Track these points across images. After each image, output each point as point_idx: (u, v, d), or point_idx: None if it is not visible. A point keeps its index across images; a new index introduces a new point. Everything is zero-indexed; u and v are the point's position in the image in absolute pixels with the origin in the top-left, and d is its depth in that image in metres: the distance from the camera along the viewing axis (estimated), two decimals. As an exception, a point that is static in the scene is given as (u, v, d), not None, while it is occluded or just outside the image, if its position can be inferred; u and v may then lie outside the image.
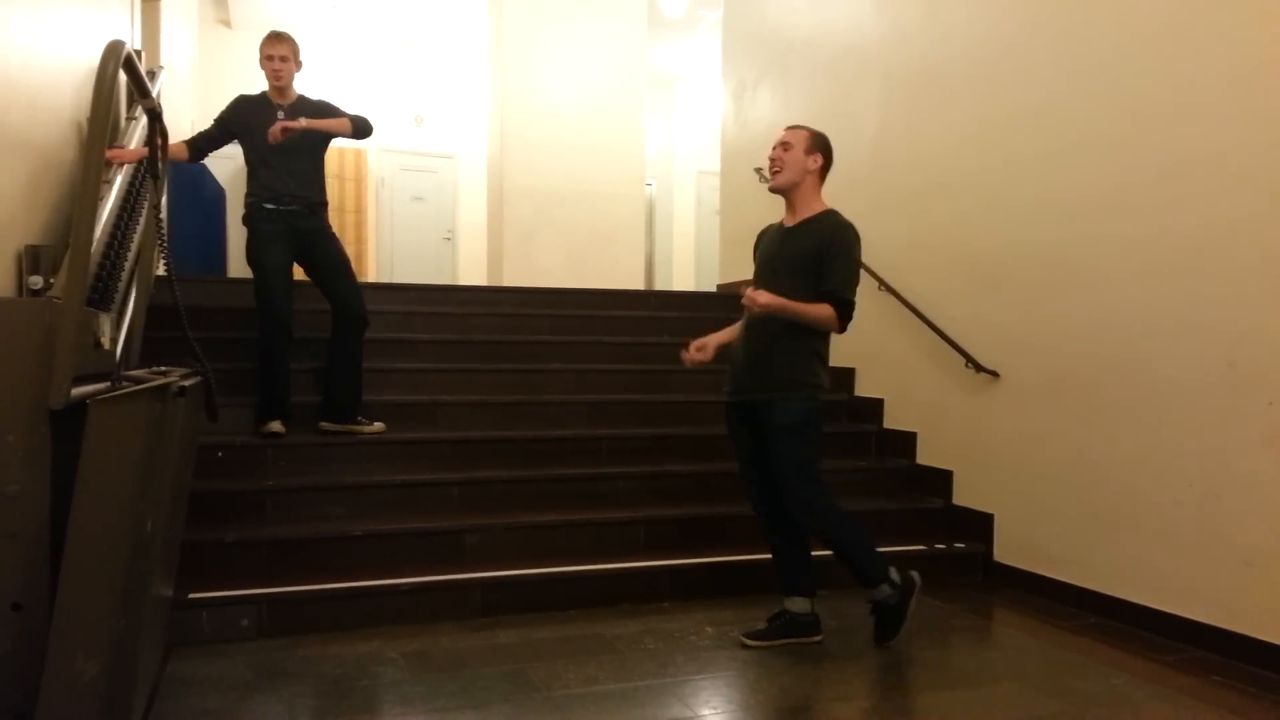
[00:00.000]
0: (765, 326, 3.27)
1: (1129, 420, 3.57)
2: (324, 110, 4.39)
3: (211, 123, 4.30)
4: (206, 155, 4.32)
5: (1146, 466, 3.50)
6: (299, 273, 4.40)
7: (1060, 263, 3.90)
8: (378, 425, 4.35)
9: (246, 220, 4.28)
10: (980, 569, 4.23)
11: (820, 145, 3.27)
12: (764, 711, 2.72)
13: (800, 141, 3.25)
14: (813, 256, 3.22)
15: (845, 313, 3.20)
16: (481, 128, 10.88)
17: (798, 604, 3.33)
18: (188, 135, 4.47)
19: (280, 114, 4.25)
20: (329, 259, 4.38)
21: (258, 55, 4.30)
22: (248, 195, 4.29)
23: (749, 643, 3.26)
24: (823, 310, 3.16)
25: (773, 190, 3.37)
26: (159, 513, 2.22)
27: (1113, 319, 3.65)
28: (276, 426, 4.17)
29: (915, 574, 3.33)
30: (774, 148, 3.29)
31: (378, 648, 3.19)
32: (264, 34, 4.37)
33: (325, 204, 4.44)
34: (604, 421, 4.79)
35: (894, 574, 3.27)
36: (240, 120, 4.28)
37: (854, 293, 3.20)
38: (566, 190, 7.95)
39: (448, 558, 3.77)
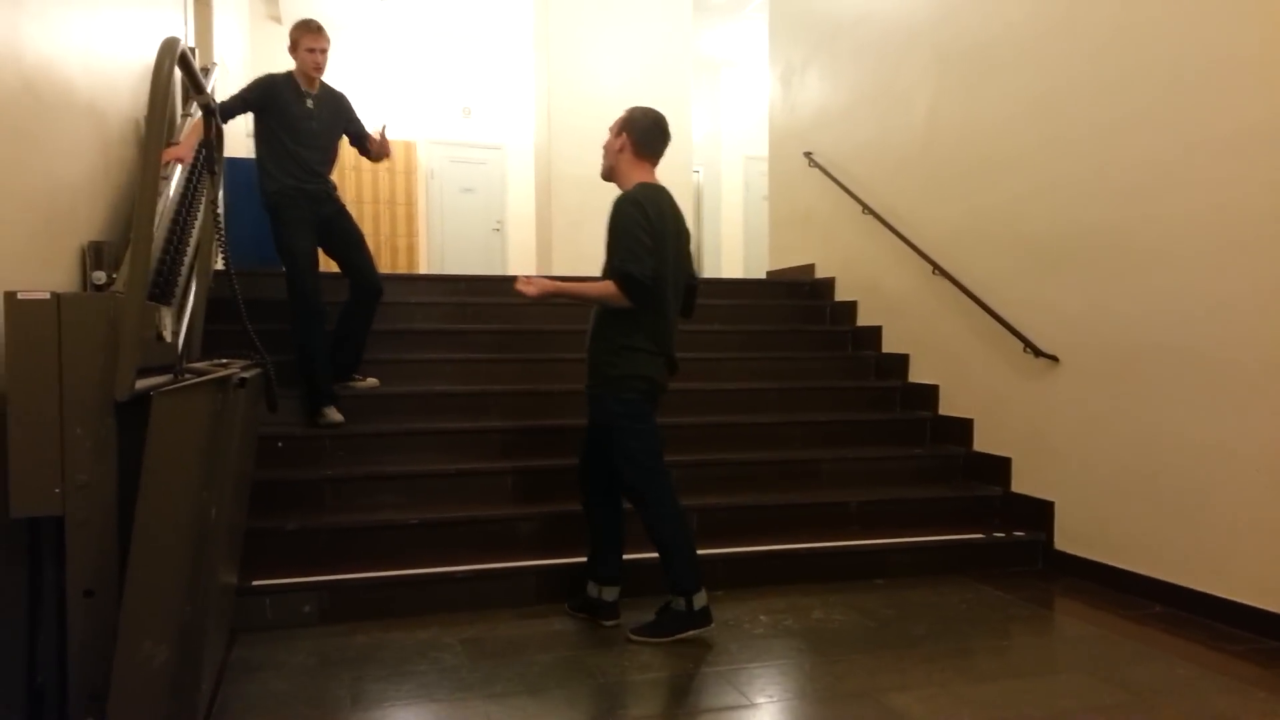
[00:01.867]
0: (593, 319, 3.29)
1: (1194, 405, 3.48)
2: (342, 103, 4.52)
3: (235, 96, 4.31)
4: (226, 123, 4.36)
5: (1212, 453, 3.41)
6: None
7: (1120, 243, 3.80)
8: (371, 380, 4.56)
9: (273, 206, 4.30)
10: (1040, 557, 4.16)
11: (626, 124, 3.27)
12: (820, 699, 2.70)
13: (613, 128, 3.30)
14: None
15: (626, 284, 3.09)
16: (529, 118, 10.92)
17: (601, 591, 3.33)
18: (240, 132, 4.55)
19: (309, 101, 4.36)
20: (348, 234, 4.49)
21: (289, 41, 4.37)
22: (270, 183, 4.30)
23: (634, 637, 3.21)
24: (604, 287, 3.13)
25: (602, 177, 3.42)
26: (222, 501, 2.27)
27: (1176, 301, 3.55)
28: (335, 415, 4.25)
29: (710, 627, 3.18)
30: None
31: (435, 634, 3.23)
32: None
33: (335, 186, 4.55)
34: (662, 411, 4.77)
35: (697, 601, 3.15)
36: (266, 100, 4.29)
37: (635, 264, 3.07)
38: (613, 178, 7.92)
39: (502, 545, 3.80)
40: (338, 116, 4.48)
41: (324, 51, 4.36)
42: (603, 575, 3.37)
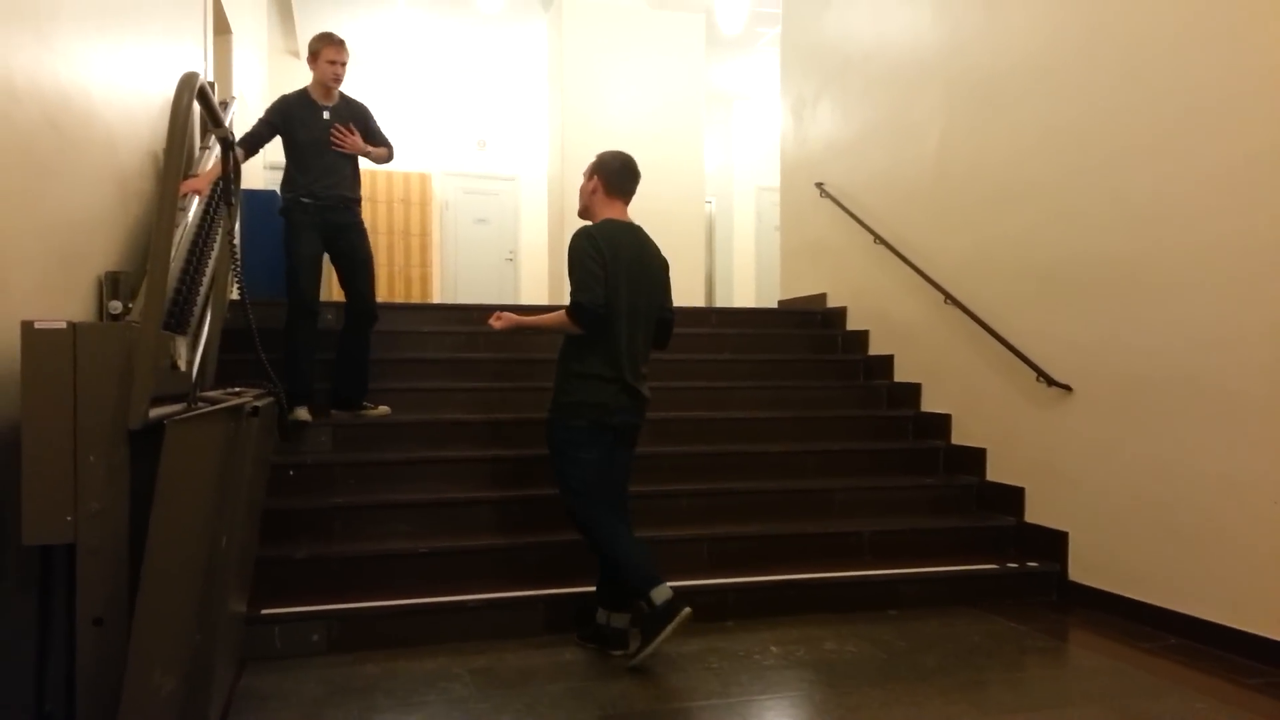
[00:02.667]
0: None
1: (1209, 436, 3.45)
2: (363, 114, 4.61)
3: (257, 122, 4.43)
4: (257, 152, 4.50)
5: (1228, 483, 3.38)
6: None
7: (1133, 273, 3.79)
8: (383, 408, 4.56)
9: (284, 212, 4.46)
10: (1054, 588, 4.12)
11: (597, 167, 3.48)
12: (831, 733, 2.68)
13: (586, 172, 3.52)
14: None
15: (576, 312, 3.27)
16: (543, 149, 11.01)
17: (610, 618, 3.37)
18: (257, 165, 4.62)
19: (325, 113, 4.45)
20: (353, 251, 4.56)
21: (309, 51, 4.47)
22: (286, 190, 4.46)
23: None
24: (559, 316, 3.35)
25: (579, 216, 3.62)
26: (234, 530, 2.28)
27: (1191, 330, 3.53)
28: (303, 414, 4.34)
29: (687, 611, 3.11)
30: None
31: (444, 664, 3.22)
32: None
33: (359, 200, 4.61)
34: (666, 439, 4.78)
35: (656, 596, 3.11)
36: (285, 120, 4.41)
37: (584, 292, 3.25)
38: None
39: (511, 575, 3.79)
40: (354, 125, 4.54)
41: (344, 64, 4.49)
42: (611, 602, 3.35)
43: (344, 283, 4.64)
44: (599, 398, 3.31)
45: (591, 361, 3.31)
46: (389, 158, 4.69)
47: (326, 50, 4.43)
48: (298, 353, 4.40)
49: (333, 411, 4.54)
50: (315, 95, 4.48)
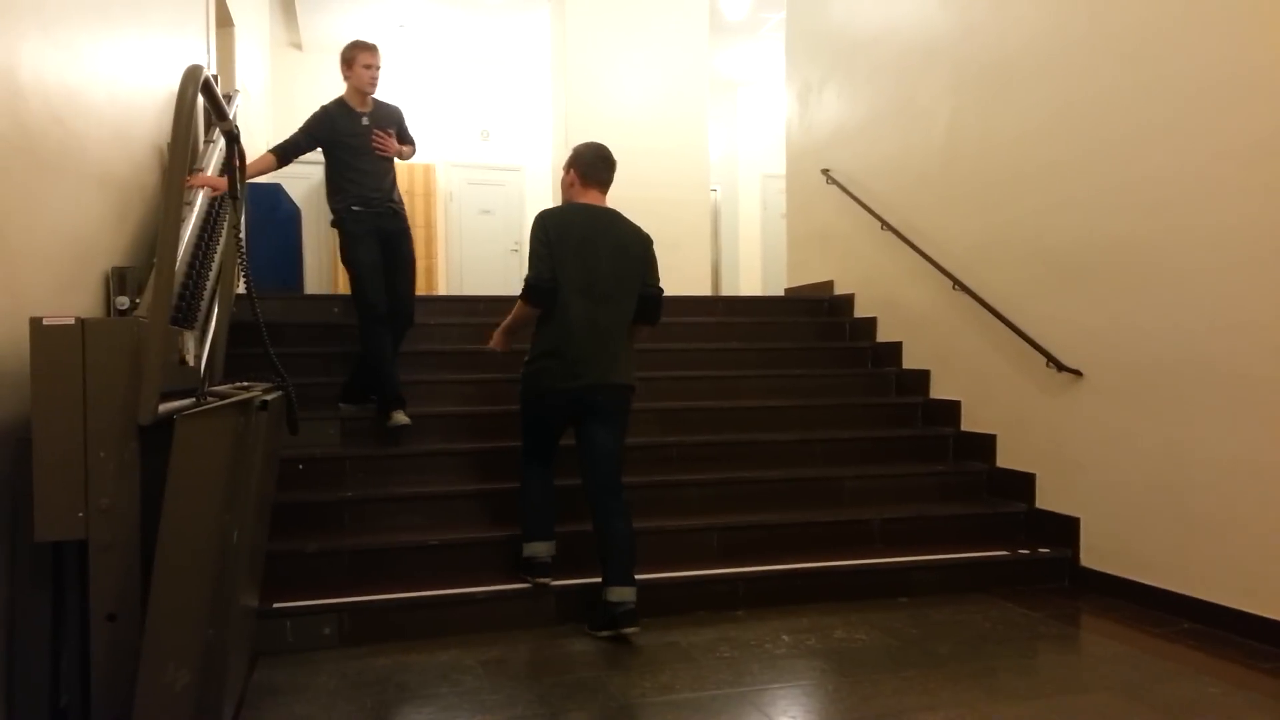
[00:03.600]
0: None
1: (1221, 419, 3.43)
2: (397, 116, 4.66)
3: (297, 132, 4.43)
4: (289, 163, 4.47)
5: (1241, 467, 3.36)
6: None
7: (1144, 256, 3.77)
8: (402, 417, 4.42)
9: (338, 224, 4.46)
10: (1066, 574, 4.11)
11: (571, 160, 3.66)
12: (844, 721, 2.67)
13: (565, 166, 3.69)
14: None
15: (524, 291, 3.51)
16: (547, 139, 10.98)
17: (610, 592, 3.41)
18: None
19: (364, 119, 4.47)
20: (400, 257, 4.56)
21: (342, 60, 4.49)
22: (334, 201, 4.45)
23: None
24: (517, 305, 3.59)
25: None
26: (244, 524, 2.28)
27: (1202, 314, 3.51)
28: (402, 418, 4.33)
29: (547, 578, 3.60)
30: None
31: (456, 656, 3.22)
32: (336, 50, 4.58)
33: (402, 203, 4.66)
34: (674, 428, 4.78)
35: (526, 549, 3.58)
36: (330, 131, 4.42)
37: (530, 272, 3.49)
38: (631, 198, 7.91)
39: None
40: (390, 128, 4.58)
41: (379, 68, 4.51)
42: (609, 579, 3.39)
43: (386, 285, 4.57)
44: (545, 376, 3.48)
45: (542, 337, 3.51)
46: (412, 153, 4.76)
47: (361, 55, 4.45)
48: (380, 361, 4.39)
49: (341, 406, 4.53)
50: (353, 103, 4.49)
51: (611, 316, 3.49)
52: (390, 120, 4.61)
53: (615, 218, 3.59)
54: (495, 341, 3.80)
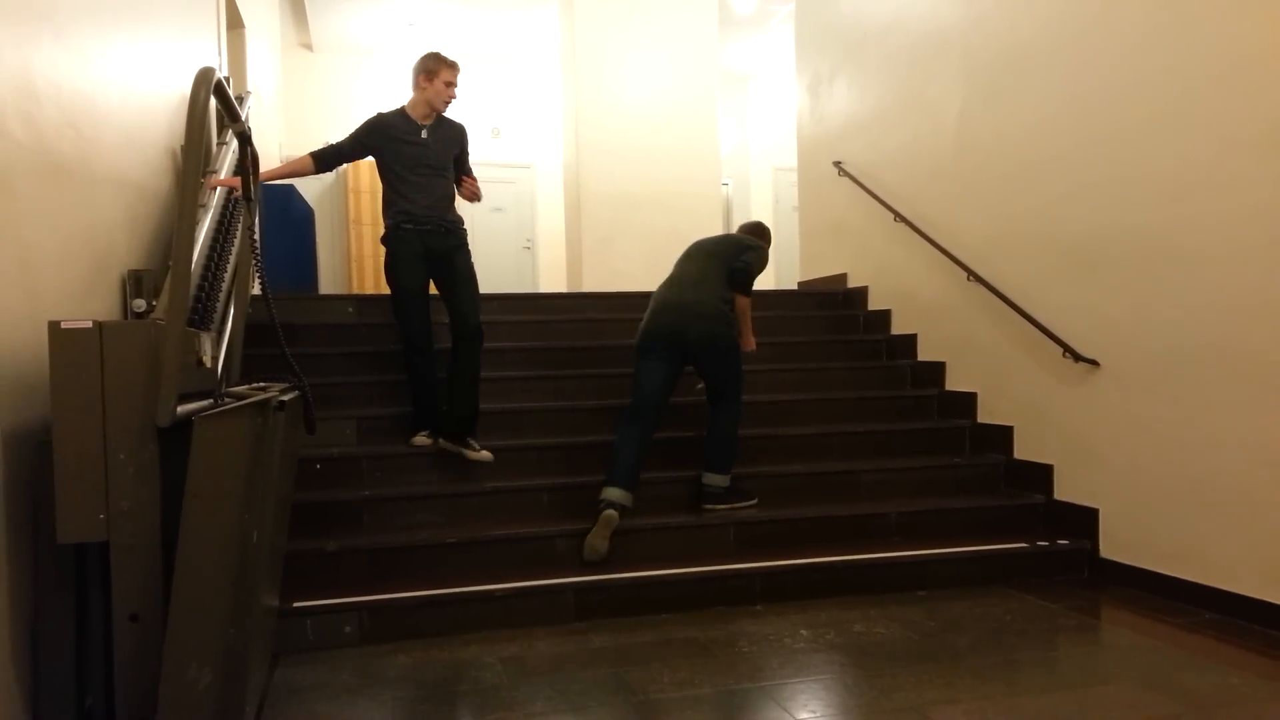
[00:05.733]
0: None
1: (1241, 407, 3.40)
2: (461, 136, 4.44)
3: (346, 138, 4.28)
4: (334, 169, 4.31)
5: (1262, 456, 3.33)
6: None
7: (1160, 243, 3.74)
8: (485, 454, 4.24)
9: (385, 240, 4.30)
10: (1085, 566, 4.08)
11: None
12: (865, 714, 2.67)
13: None
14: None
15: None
16: (557, 136, 11.00)
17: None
18: (274, 159, 4.61)
19: (423, 132, 4.28)
20: (454, 271, 4.31)
21: (422, 70, 4.28)
22: (387, 213, 4.28)
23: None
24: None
25: None
26: (264, 524, 2.29)
27: (1220, 300, 3.48)
28: (422, 440, 4.29)
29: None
30: None
31: (476, 653, 3.23)
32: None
33: (461, 221, 4.39)
34: (689, 424, 4.77)
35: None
36: (383, 139, 4.24)
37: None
38: (643, 193, 7.97)
39: (540, 563, 3.80)
40: (451, 145, 4.38)
41: (457, 86, 4.35)
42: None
43: (446, 302, 4.37)
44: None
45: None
46: (475, 189, 4.48)
47: (445, 71, 4.26)
48: (415, 384, 4.30)
49: (441, 442, 4.27)
50: (415, 114, 4.29)
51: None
52: (453, 140, 4.39)
53: None
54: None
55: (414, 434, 4.35)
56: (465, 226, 4.44)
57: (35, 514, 2.23)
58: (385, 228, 4.30)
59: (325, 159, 4.23)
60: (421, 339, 4.28)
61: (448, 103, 4.31)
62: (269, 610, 2.79)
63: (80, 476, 2.05)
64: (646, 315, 4.27)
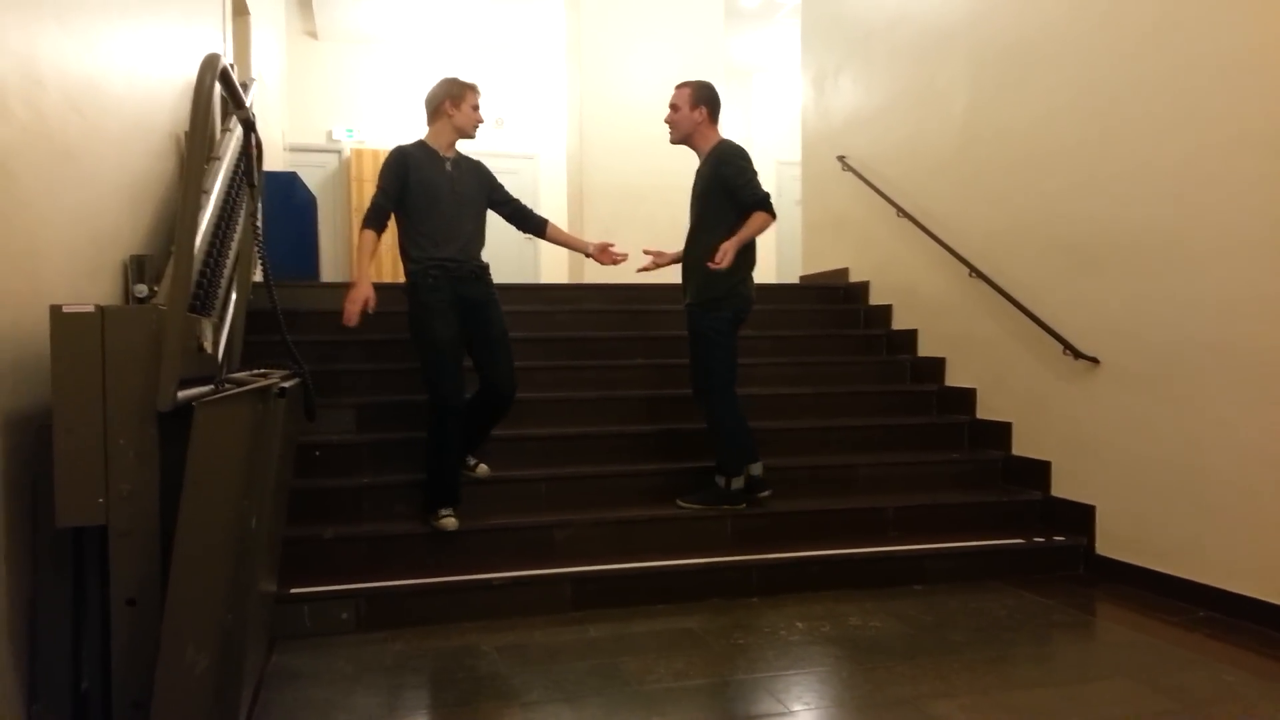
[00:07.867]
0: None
1: (1240, 405, 3.41)
2: (485, 174, 4.10)
3: (376, 193, 3.82)
4: (384, 228, 3.85)
5: (1259, 454, 3.34)
6: None
7: (1162, 241, 3.74)
8: (483, 468, 4.15)
9: (410, 290, 3.84)
10: (1081, 562, 4.09)
11: (703, 98, 4.11)
12: (860, 707, 2.68)
13: (685, 100, 4.10)
14: (714, 178, 4.08)
15: (769, 203, 3.99)
16: (561, 127, 10.96)
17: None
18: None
19: (448, 165, 3.90)
20: (488, 330, 3.96)
21: (446, 96, 3.90)
22: (408, 259, 3.85)
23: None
24: (758, 220, 3.97)
25: (674, 143, 4.30)
26: (262, 510, 2.30)
27: (1221, 299, 3.48)
28: (450, 523, 3.70)
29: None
30: (669, 112, 4.16)
31: (472, 641, 3.25)
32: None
33: (487, 267, 4.06)
34: (688, 416, 4.78)
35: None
36: (402, 175, 3.82)
37: (761, 188, 4.04)
38: (646, 185, 7.95)
39: (538, 553, 3.81)
40: (480, 183, 4.04)
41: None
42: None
43: (478, 362, 3.97)
44: (743, 285, 4.09)
45: (744, 255, 3.98)
46: (543, 222, 4.35)
47: (470, 95, 3.89)
48: (440, 450, 3.76)
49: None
50: (437, 145, 3.90)
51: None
52: (477, 174, 4.03)
53: None
54: (729, 259, 3.83)
55: (433, 512, 3.78)
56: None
57: (34, 498, 2.23)
58: (407, 273, 3.85)
59: (379, 220, 3.82)
60: (458, 399, 3.77)
61: (477, 126, 3.96)
62: (266, 596, 2.80)
63: (80, 460, 2.06)
64: (740, 286, 4.03)
